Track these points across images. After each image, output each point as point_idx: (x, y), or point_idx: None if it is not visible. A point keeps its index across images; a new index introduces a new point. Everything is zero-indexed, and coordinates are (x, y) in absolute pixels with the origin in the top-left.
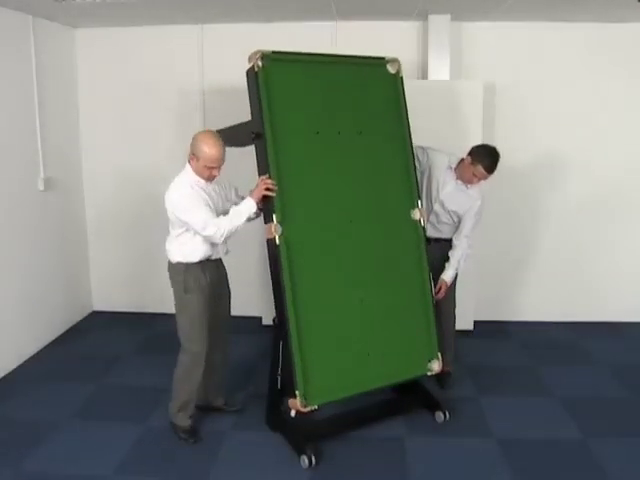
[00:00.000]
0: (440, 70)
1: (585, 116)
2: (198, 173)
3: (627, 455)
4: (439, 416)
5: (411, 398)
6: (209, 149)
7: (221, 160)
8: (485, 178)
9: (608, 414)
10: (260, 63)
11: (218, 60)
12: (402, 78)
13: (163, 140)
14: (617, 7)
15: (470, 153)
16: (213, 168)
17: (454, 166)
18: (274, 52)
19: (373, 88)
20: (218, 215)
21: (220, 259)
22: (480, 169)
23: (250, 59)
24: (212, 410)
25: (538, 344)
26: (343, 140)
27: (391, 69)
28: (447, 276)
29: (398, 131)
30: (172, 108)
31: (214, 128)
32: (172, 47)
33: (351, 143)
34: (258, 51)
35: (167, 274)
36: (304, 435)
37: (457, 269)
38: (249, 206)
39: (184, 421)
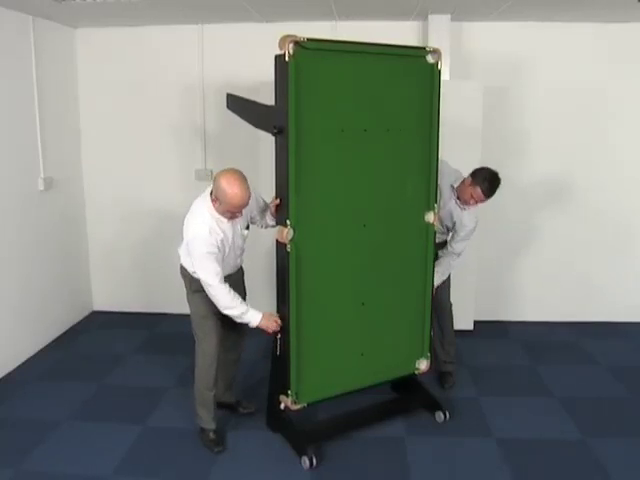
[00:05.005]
0: None
1: (585, 116)
2: (220, 213)
3: (627, 455)
4: (439, 416)
5: (411, 398)
6: (232, 198)
7: (245, 205)
8: (482, 201)
9: (608, 414)
10: (292, 51)
11: (218, 61)
12: (440, 70)
13: (163, 140)
14: (617, 7)
15: (472, 174)
16: (236, 212)
17: (456, 185)
18: (309, 39)
19: (408, 81)
20: (230, 250)
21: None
22: (478, 191)
23: (281, 45)
24: (221, 407)
25: (538, 344)
26: (368, 139)
27: (431, 59)
28: (435, 281)
29: (427, 128)
30: (172, 108)
31: (214, 127)
32: (172, 47)
33: (376, 142)
34: (289, 36)
35: (167, 274)
36: (305, 436)
37: (444, 275)
38: (250, 319)
39: (209, 422)
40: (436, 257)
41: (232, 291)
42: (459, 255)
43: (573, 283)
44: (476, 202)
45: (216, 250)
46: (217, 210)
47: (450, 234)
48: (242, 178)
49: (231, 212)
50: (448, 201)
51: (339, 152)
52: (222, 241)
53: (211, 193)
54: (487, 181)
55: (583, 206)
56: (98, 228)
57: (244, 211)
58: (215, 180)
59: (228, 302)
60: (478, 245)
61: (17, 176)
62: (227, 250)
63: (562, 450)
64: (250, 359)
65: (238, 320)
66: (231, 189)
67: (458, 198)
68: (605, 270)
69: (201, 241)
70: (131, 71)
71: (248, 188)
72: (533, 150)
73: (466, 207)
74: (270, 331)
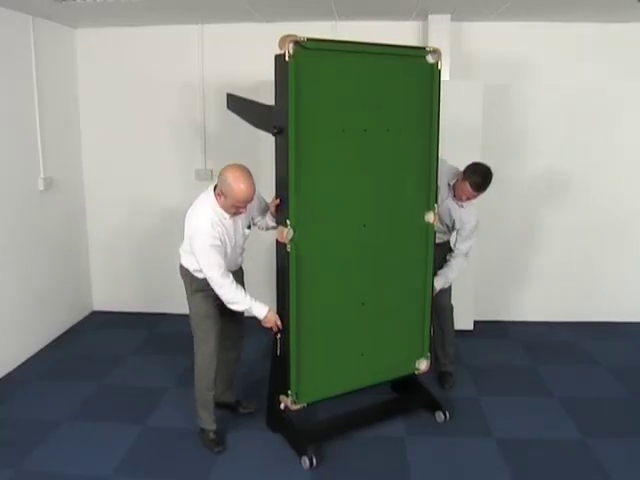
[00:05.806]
0: None
1: (585, 116)
2: (224, 208)
3: (627, 455)
4: (439, 416)
5: (411, 398)
6: (238, 193)
7: (250, 201)
8: (473, 196)
9: (608, 414)
10: (292, 51)
11: (218, 61)
12: (440, 70)
13: (163, 140)
14: (617, 7)
15: (464, 170)
16: (241, 207)
17: (452, 183)
18: (309, 39)
19: (408, 81)
20: (231, 249)
21: None
22: (467, 186)
23: (281, 44)
24: (221, 406)
25: (538, 344)
26: (368, 139)
27: (431, 59)
28: (437, 282)
29: (427, 128)
30: (172, 108)
31: (214, 127)
32: (172, 47)
33: (376, 142)
34: (289, 36)
35: (167, 274)
36: (305, 436)
37: (449, 280)
38: (256, 312)
39: (209, 424)
40: (444, 260)
41: (237, 285)
42: (467, 255)
43: (573, 283)
44: (467, 197)
45: (218, 242)
46: (222, 205)
47: (453, 235)
48: (248, 173)
49: (236, 207)
50: (445, 199)
51: (339, 152)
52: (224, 235)
53: (215, 188)
54: (476, 175)
55: (583, 206)
56: (98, 228)
57: (247, 207)
58: (221, 175)
59: (233, 295)
60: (478, 245)
61: (17, 176)
62: (228, 247)
63: (562, 450)
64: (250, 359)
65: (246, 313)
66: (237, 184)
67: (455, 195)
68: (605, 270)
69: (203, 234)
70: (131, 71)
71: (253, 183)
72: (533, 151)
73: (463, 204)
74: (274, 328)
